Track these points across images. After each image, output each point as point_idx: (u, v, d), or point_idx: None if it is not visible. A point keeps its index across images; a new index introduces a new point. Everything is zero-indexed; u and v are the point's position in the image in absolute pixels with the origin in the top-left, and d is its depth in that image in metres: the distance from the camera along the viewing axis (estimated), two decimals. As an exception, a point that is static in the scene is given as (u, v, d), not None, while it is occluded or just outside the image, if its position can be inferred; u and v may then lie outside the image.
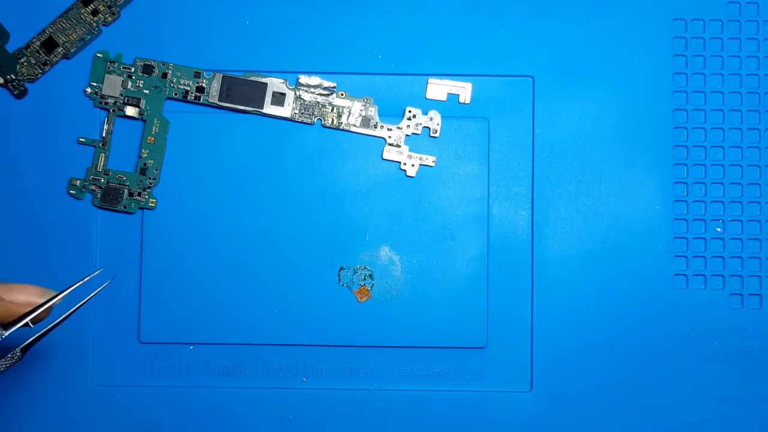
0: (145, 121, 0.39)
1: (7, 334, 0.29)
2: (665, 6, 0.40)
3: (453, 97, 0.39)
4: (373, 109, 0.39)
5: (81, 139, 0.39)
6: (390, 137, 0.39)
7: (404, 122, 0.39)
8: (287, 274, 0.39)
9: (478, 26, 0.39)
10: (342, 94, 0.39)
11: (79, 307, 0.31)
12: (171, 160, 0.39)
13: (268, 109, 0.39)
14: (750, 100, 0.39)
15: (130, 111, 0.39)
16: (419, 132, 0.39)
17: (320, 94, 0.39)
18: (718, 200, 0.39)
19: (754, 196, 0.39)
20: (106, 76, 0.39)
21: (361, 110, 0.39)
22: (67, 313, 0.30)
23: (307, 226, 0.39)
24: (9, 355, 0.29)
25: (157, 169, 0.39)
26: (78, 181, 0.39)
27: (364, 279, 0.39)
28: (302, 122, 0.39)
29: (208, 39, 0.39)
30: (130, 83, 0.39)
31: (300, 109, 0.39)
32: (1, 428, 0.38)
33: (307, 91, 0.39)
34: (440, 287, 0.39)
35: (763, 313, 0.39)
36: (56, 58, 0.39)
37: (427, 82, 0.39)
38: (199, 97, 0.39)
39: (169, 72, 0.39)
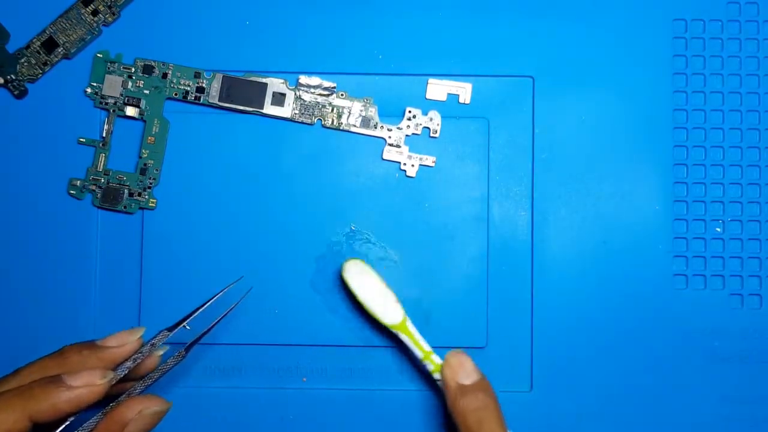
0: (145, 121, 0.39)
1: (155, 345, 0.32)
2: (665, 6, 0.40)
3: (453, 98, 0.39)
4: (373, 109, 0.39)
5: (81, 139, 0.39)
6: (390, 137, 0.39)
7: (404, 122, 0.39)
8: (287, 273, 0.39)
9: (478, 26, 0.39)
10: (342, 95, 0.39)
11: (227, 312, 0.35)
12: (171, 160, 0.39)
13: (268, 109, 0.39)
14: (750, 100, 0.39)
15: (130, 111, 0.39)
16: (419, 132, 0.39)
17: (320, 95, 0.39)
18: (718, 200, 0.39)
19: (754, 196, 0.39)
20: (106, 76, 0.39)
21: (361, 110, 0.39)
22: (220, 317, 0.34)
23: (307, 226, 0.39)
24: (176, 354, 0.33)
25: (157, 169, 0.39)
26: (78, 181, 0.39)
27: (364, 279, 0.39)
28: (302, 122, 0.39)
29: (208, 39, 0.39)
30: (130, 83, 0.39)
31: (300, 110, 0.39)
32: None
33: (307, 92, 0.39)
34: (440, 287, 0.39)
35: (763, 313, 0.39)
36: (56, 58, 0.39)
37: (427, 83, 0.39)
38: (199, 97, 0.39)
39: (169, 72, 0.39)
